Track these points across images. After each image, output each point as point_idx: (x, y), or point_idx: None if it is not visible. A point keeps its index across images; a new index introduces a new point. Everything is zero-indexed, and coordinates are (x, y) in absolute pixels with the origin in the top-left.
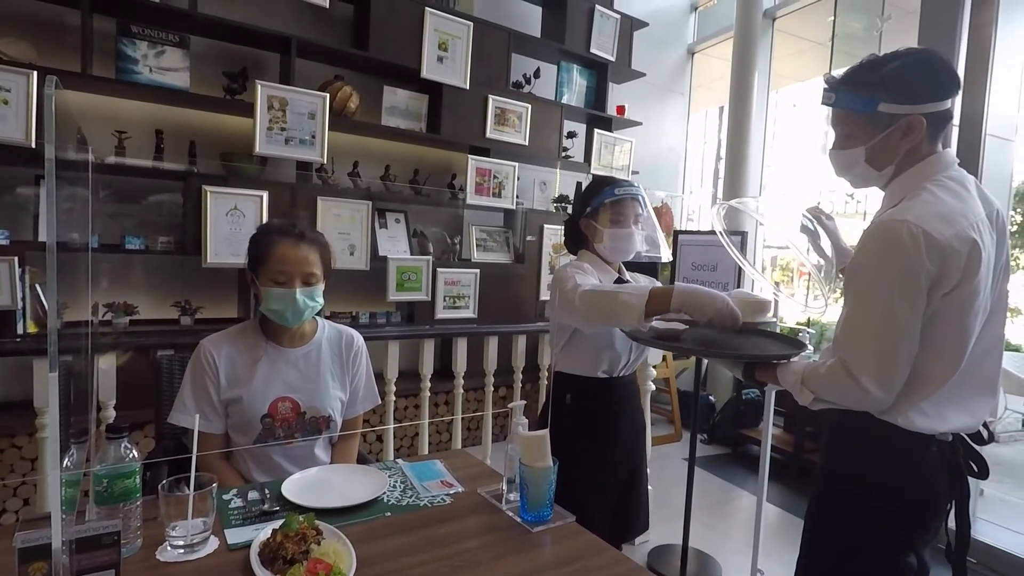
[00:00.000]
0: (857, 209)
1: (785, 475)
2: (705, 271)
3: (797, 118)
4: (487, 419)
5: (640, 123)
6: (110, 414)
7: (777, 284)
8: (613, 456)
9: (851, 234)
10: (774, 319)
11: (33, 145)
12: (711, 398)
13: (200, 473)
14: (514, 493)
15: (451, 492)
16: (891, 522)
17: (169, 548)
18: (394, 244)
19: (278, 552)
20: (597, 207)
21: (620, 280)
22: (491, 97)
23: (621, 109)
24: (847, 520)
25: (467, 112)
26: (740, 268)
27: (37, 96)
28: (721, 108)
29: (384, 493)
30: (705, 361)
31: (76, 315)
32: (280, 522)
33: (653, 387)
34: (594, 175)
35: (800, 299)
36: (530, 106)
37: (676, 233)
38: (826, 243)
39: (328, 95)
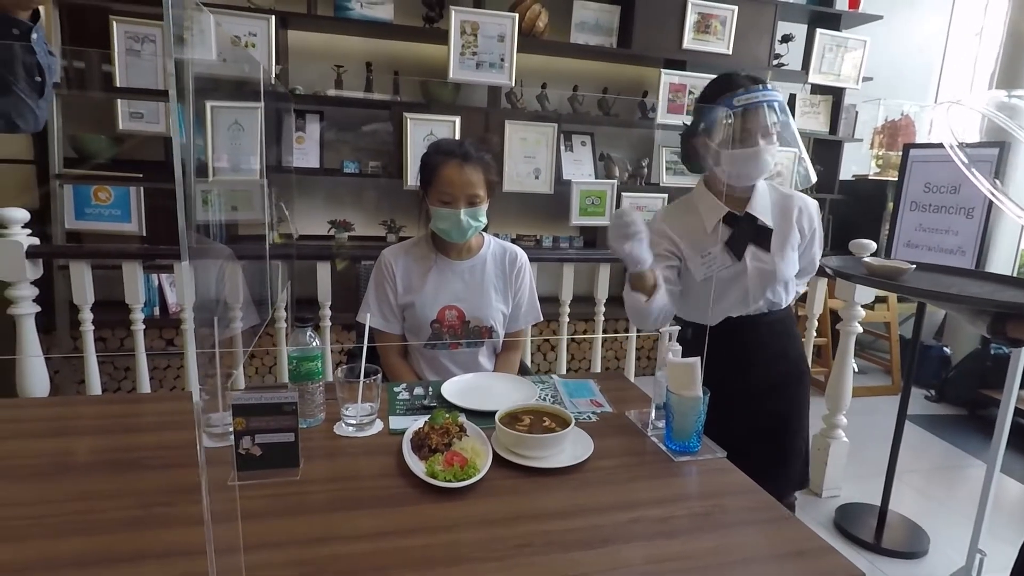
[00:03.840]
0: None
1: None
2: (943, 193)
3: None
4: (661, 344)
5: (879, 17)
6: (326, 312)
7: None
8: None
9: None
10: None
11: (273, 81)
12: (946, 350)
13: (370, 365)
14: (661, 420)
15: (599, 411)
16: None
17: (344, 425)
18: (579, 167)
19: (425, 441)
20: (712, 123)
21: (732, 217)
22: (691, 1)
23: (855, 2)
24: None
25: (662, 20)
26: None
27: (276, 38)
28: None
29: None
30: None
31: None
32: None
33: (860, 329)
34: (717, 76)
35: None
36: (736, 8)
37: (906, 147)
38: None
39: (517, 15)
